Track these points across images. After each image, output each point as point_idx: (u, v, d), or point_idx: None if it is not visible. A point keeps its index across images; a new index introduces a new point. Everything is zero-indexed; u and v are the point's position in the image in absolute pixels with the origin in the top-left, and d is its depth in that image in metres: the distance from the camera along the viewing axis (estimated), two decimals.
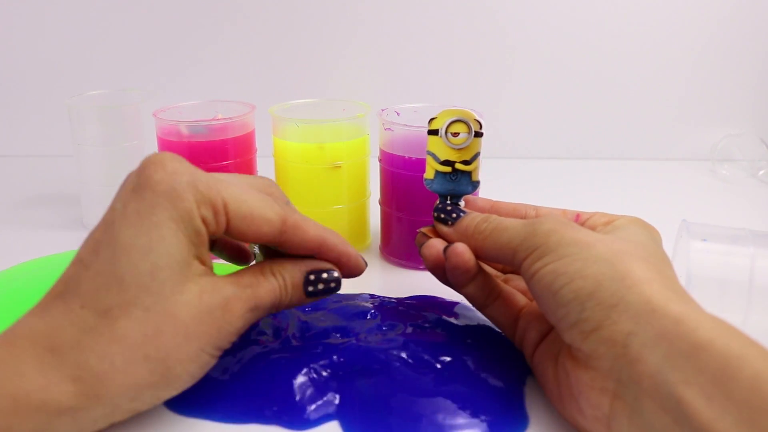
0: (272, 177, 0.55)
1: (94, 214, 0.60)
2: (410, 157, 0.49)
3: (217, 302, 0.30)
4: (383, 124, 0.50)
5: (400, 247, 0.52)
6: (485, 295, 0.37)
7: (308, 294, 0.34)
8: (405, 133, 0.49)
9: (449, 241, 0.37)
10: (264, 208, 0.32)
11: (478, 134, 0.39)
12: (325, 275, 0.34)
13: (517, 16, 0.76)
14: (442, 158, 0.39)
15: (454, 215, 0.38)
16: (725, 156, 0.78)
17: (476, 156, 0.39)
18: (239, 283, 0.31)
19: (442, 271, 0.37)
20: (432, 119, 0.40)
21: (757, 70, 0.77)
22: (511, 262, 0.34)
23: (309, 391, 0.33)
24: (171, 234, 0.29)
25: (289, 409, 0.32)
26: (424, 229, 0.39)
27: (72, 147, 0.59)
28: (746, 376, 0.24)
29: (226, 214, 0.31)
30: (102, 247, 0.29)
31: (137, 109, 0.58)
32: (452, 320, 0.41)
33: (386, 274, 0.51)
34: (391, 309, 0.42)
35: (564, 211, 0.38)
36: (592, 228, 0.35)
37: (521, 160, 0.79)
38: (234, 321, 0.30)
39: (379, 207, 0.54)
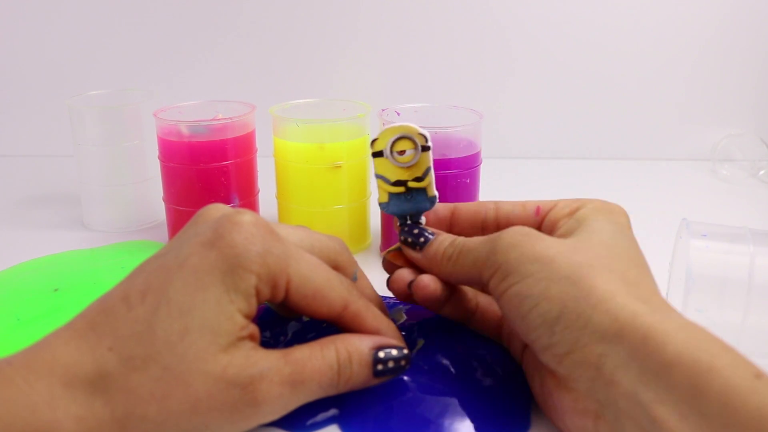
0: (272, 177, 0.55)
1: (94, 214, 0.60)
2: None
3: (241, 379, 0.28)
4: (383, 124, 0.50)
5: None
6: (462, 311, 0.37)
7: (377, 374, 0.31)
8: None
9: (418, 266, 0.37)
10: (327, 290, 0.31)
11: (425, 148, 0.37)
12: (395, 352, 0.32)
13: (518, 16, 0.76)
14: (393, 179, 0.37)
15: (422, 239, 0.36)
16: (725, 156, 0.78)
17: (428, 171, 0.37)
18: (286, 357, 0.29)
19: (413, 300, 0.37)
20: (374, 140, 0.37)
21: (757, 70, 0.77)
22: (479, 284, 0.33)
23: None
24: (215, 300, 0.28)
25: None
26: (389, 255, 0.38)
27: (72, 147, 0.59)
28: (715, 390, 0.24)
29: (287, 290, 0.30)
30: (150, 293, 0.28)
31: (137, 109, 0.58)
32: None
33: (386, 274, 0.51)
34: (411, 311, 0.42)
35: (524, 204, 0.37)
36: (555, 222, 0.34)
37: (521, 160, 0.79)
38: (259, 401, 0.28)
39: (379, 207, 0.54)
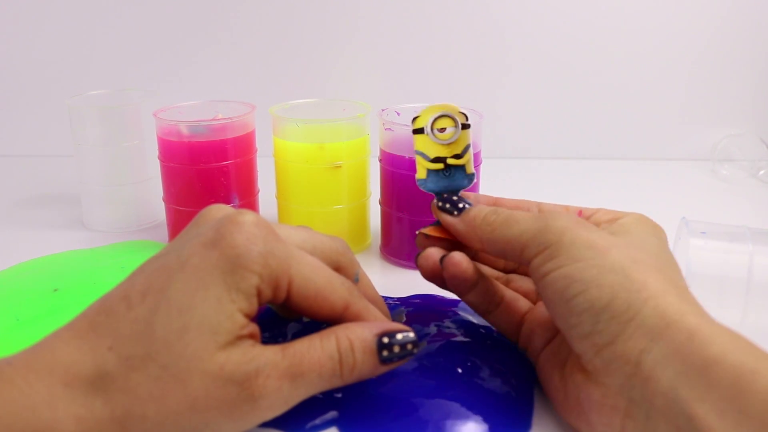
0: (272, 177, 0.55)
1: (94, 214, 0.60)
2: (411, 157, 0.49)
3: (238, 376, 0.27)
4: (383, 124, 0.50)
5: (400, 247, 0.52)
6: (487, 301, 0.37)
7: (383, 360, 0.30)
8: (405, 133, 0.49)
9: (453, 234, 0.36)
10: (329, 291, 0.31)
11: (465, 126, 0.38)
12: (400, 336, 0.31)
13: (518, 16, 0.76)
14: (432, 156, 0.38)
15: (461, 206, 0.36)
16: (725, 156, 0.78)
17: (467, 148, 0.38)
18: (284, 351, 0.29)
19: (441, 280, 0.37)
20: (415, 118, 0.38)
21: (757, 70, 0.77)
22: (519, 257, 0.33)
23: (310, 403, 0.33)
24: (215, 299, 0.28)
25: (287, 413, 0.32)
26: (425, 230, 0.38)
27: (72, 147, 0.59)
28: (760, 390, 0.24)
29: (288, 291, 0.30)
30: (151, 293, 0.28)
31: (137, 109, 0.58)
32: (471, 318, 0.40)
33: (386, 274, 0.51)
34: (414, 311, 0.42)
35: (567, 208, 0.37)
36: (596, 225, 0.35)
37: (521, 160, 0.79)
38: (257, 397, 0.28)
39: (379, 207, 0.54)
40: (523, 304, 0.37)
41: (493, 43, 0.77)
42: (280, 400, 0.29)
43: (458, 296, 0.37)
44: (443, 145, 0.38)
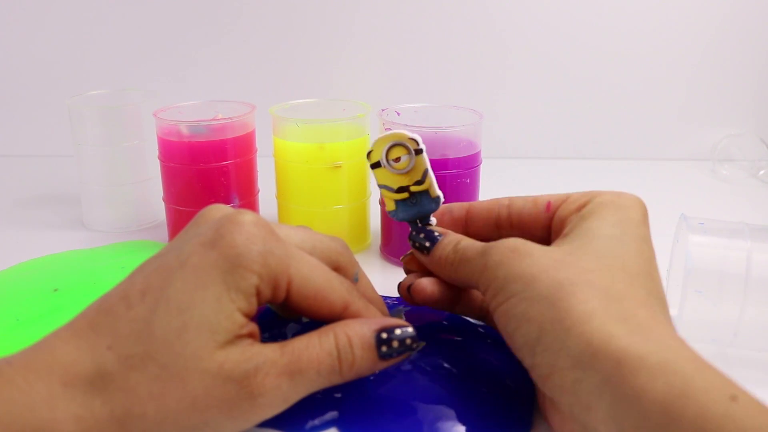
0: (272, 177, 0.55)
1: (94, 214, 0.60)
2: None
3: (237, 374, 0.27)
4: (383, 124, 0.50)
5: (400, 247, 0.52)
6: (477, 311, 0.37)
7: (382, 356, 0.30)
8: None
9: (429, 270, 0.37)
10: (328, 291, 0.31)
11: (419, 151, 0.37)
12: (399, 332, 0.31)
13: (518, 16, 0.76)
14: (396, 187, 0.38)
15: (428, 244, 0.36)
16: (725, 156, 0.78)
17: (426, 173, 0.37)
18: (283, 348, 0.29)
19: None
20: (369, 152, 0.38)
21: (757, 70, 0.77)
22: (480, 289, 0.33)
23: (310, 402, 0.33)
24: (214, 298, 0.28)
25: (287, 413, 0.32)
26: (405, 258, 0.39)
27: (72, 147, 0.59)
28: (689, 419, 0.23)
29: (288, 290, 0.30)
30: (150, 292, 0.28)
31: (137, 109, 0.58)
32: (469, 318, 0.40)
33: (386, 274, 0.51)
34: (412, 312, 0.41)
35: (535, 200, 0.36)
36: (563, 220, 0.34)
37: (521, 160, 0.79)
38: (256, 395, 0.28)
39: (379, 207, 0.54)
40: None
41: (492, 43, 0.77)
42: (280, 397, 0.29)
43: (449, 311, 0.38)
44: (403, 174, 0.38)
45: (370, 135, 0.53)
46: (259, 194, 0.57)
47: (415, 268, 0.38)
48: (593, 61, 0.77)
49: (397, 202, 0.38)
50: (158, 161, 0.54)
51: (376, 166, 0.38)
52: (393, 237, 0.52)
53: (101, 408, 0.27)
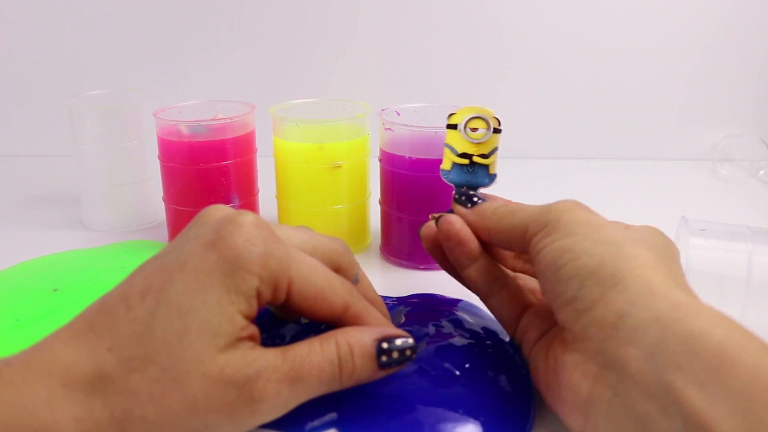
0: (272, 177, 0.55)
1: (94, 214, 0.60)
2: (411, 157, 0.49)
3: (238, 379, 0.27)
4: (383, 124, 0.50)
5: (400, 247, 0.52)
6: (489, 282, 0.37)
7: (382, 365, 0.30)
8: (405, 132, 0.49)
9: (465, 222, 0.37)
10: (328, 292, 0.31)
11: (497, 130, 0.40)
12: (399, 342, 0.31)
13: (518, 16, 0.76)
14: (460, 151, 0.40)
15: (476, 199, 0.37)
16: (725, 156, 0.78)
17: (494, 150, 0.40)
18: (285, 354, 0.29)
19: (441, 253, 0.37)
20: (451, 114, 0.40)
21: (757, 70, 0.77)
22: (522, 241, 0.33)
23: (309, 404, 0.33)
24: (215, 301, 0.28)
25: (287, 414, 0.31)
26: (435, 215, 0.39)
27: (72, 147, 0.59)
28: (745, 365, 0.23)
29: (288, 292, 0.30)
30: (151, 294, 0.28)
31: (137, 109, 0.58)
32: (470, 319, 0.40)
33: (386, 274, 0.51)
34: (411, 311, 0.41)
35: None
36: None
37: (521, 160, 0.79)
38: (257, 400, 0.28)
39: (379, 207, 0.54)
40: (528, 297, 0.37)
41: (493, 44, 0.77)
42: (280, 403, 0.29)
43: (459, 270, 0.37)
44: (473, 143, 0.40)
45: (370, 135, 0.53)
46: (259, 194, 0.57)
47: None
48: (593, 62, 0.77)
49: (454, 164, 0.40)
50: (158, 161, 0.54)
51: (452, 127, 0.40)
52: (393, 237, 0.52)
53: (101, 410, 0.27)
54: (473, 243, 0.36)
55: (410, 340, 0.31)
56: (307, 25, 0.77)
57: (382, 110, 0.52)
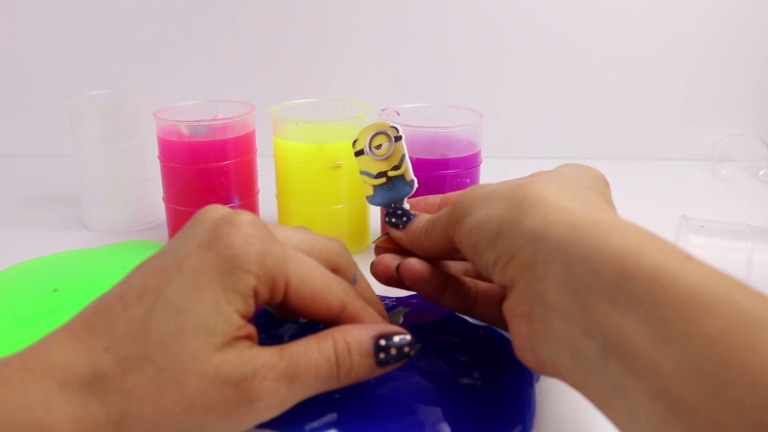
0: (272, 177, 0.55)
1: (94, 214, 0.60)
2: (411, 157, 0.49)
3: (234, 377, 0.27)
4: None
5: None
6: (464, 300, 0.37)
7: (380, 362, 0.30)
8: (405, 132, 0.49)
9: (402, 246, 0.38)
10: (325, 292, 0.31)
11: (397, 138, 0.40)
12: (397, 339, 0.31)
13: (518, 16, 0.76)
14: (375, 173, 0.40)
15: (404, 219, 0.38)
16: (726, 156, 0.78)
17: (403, 158, 0.40)
18: (281, 352, 0.29)
19: (398, 282, 0.37)
20: (354, 141, 0.41)
21: (757, 70, 0.77)
22: (452, 248, 0.34)
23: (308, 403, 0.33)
24: (212, 300, 0.28)
25: (286, 415, 0.31)
26: (378, 241, 0.40)
27: (72, 147, 0.59)
28: (644, 272, 0.23)
29: (285, 291, 0.30)
30: (148, 293, 0.28)
31: (137, 109, 0.58)
32: (468, 319, 0.40)
33: None
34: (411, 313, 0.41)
35: None
36: None
37: (521, 160, 0.79)
38: (253, 398, 0.28)
39: (379, 207, 0.54)
40: (500, 295, 0.37)
41: (493, 43, 0.77)
42: (277, 401, 0.28)
43: (435, 303, 0.37)
44: (382, 160, 0.40)
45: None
46: (259, 194, 0.57)
47: (389, 247, 0.39)
48: (593, 61, 0.77)
49: (375, 187, 0.40)
50: (158, 161, 0.54)
51: (359, 153, 0.41)
52: None
53: (98, 410, 0.27)
54: (437, 277, 0.36)
55: (408, 337, 0.31)
56: (307, 25, 0.77)
57: (382, 110, 0.52)
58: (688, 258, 0.24)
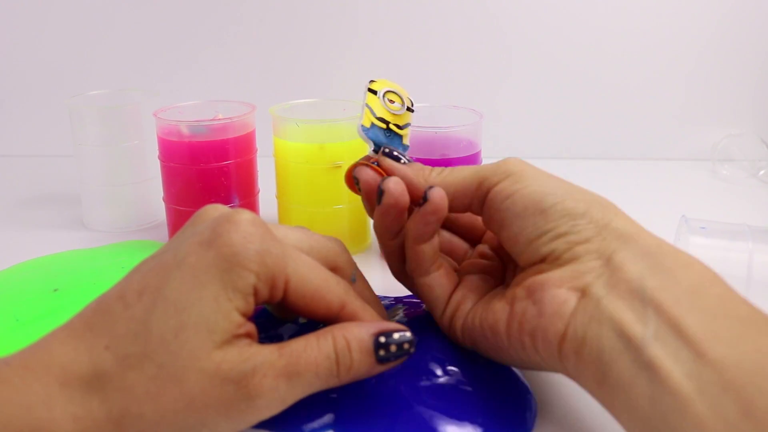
0: (272, 177, 0.55)
1: (94, 214, 0.60)
2: (410, 157, 0.49)
3: (234, 375, 0.27)
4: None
5: None
6: (433, 259, 0.36)
7: (380, 359, 0.30)
8: None
9: (390, 175, 0.36)
10: (325, 291, 0.31)
11: (410, 109, 0.41)
12: (397, 336, 0.31)
13: (518, 16, 0.76)
14: (378, 114, 0.40)
15: (403, 160, 0.37)
16: (726, 156, 0.78)
17: (407, 125, 0.41)
18: (281, 350, 0.29)
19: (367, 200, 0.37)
20: (372, 81, 0.41)
21: (757, 70, 0.77)
22: (473, 194, 0.34)
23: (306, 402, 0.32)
24: (212, 297, 0.28)
25: (284, 415, 0.31)
26: (361, 160, 0.38)
27: (72, 147, 0.59)
28: (716, 292, 0.27)
29: (285, 290, 0.30)
30: (148, 292, 0.28)
31: (137, 109, 0.58)
32: None
33: (386, 274, 0.51)
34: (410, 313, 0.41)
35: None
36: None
37: None
38: (253, 396, 0.28)
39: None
40: (454, 275, 0.37)
41: (493, 43, 0.77)
42: (277, 399, 0.28)
43: (413, 244, 0.35)
44: (389, 112, 0.41)
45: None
46: (259, 194, 0.57)
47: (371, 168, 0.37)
48: (593, 61, 0.77)
49: (373, 124, 0.40)
50: (158, 161, 0.54)
51: (372, 92, 0.41)
52: None
53: (98, 408, 0.27)
54: (406, 199, 0.35)
55: (408, 334, 0.31)
56: (307, 25, 0.77)
57: None
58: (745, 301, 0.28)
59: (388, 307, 0.42)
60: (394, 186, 0.35)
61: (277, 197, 0.55)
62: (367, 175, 0.37)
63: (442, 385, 0.34)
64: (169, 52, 0.78)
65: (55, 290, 0.46)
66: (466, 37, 0.77)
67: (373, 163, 0.37)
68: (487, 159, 0.55)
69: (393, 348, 0.30)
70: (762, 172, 0.74)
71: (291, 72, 0.78)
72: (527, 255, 0.32)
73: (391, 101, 0.41)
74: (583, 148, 0.80)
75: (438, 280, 0.36)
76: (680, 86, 0.78)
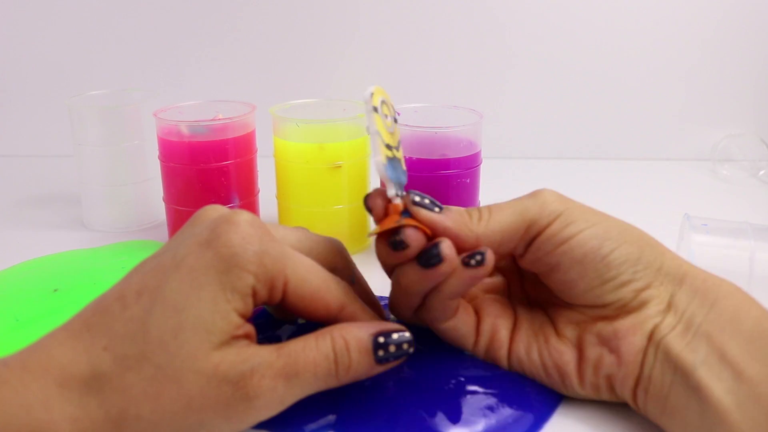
0: (272, 177, 0.55)
1: (94, 214, 0.60)
2: (410, 157, 0.49)
3: (232, 376, 0.27)
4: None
5: None
6: (457, 306, 0.34)
7: (379, 360, 0.30)
8: (405, 132, 0.49)
9: (436, 233, 0.32)
10: (324, 292, 0.31)
11: (395, 119, 0.35)
12: (396, 336, 0.30)
13: (518, 15, 0.76)
14: (386, 141, 0.33)
15: (436, 209, 0.33)
16: (726, 156, 0.78)
17: (400, 142, 0.35)
18: (279, 350, 0.29)
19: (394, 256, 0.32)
20: (371, 94, 0.33)
21: (757, 70, 0.77)
22: (520, 238, 0.33)
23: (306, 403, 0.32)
24: (210, 298, 0.28)
25: (284, 416, 0.31)
26: (378, 230, 0.32)
27: (72, 147, 0.59)
28: (752, 317, 0.30)
29: (284, 291, 0.30)
30: (146, 292, 0.28)
31: (138, 109, 0.58)
32: None
33: (386, 275, 0.51)
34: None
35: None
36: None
37: (521, 160, 0.79)
38: (251, 396, 0.28)
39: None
40: (469, 306, 0.36)
41: (493, 44, 0.77)
42: (276, 400, 0.28)
43: (441, 315, 0.34)
44: (388, 132, 0.33)
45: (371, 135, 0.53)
46: (259, 194, 0.57)
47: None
48: (593, 61, 0.77)
49: (387, 157, 0.32)
50: (158, 161, 0.54)
51: (376, 110, 0.33)
52: None
53: (97, 409, 0.27)
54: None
55: (407, 334, 0.31)
56: (307, 25, 0.77)
57: None
58: None
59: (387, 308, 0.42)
60: (450, 252, 0.31)
61: (277, 197, 0.55)
62: (417, 239, 0.32)
63: (442, 388, 0.34)
64: (169, 52, 0.78)
65: (55, 290, 0.45)
66: (466, 37, 0.77)
67: (403, 213, 0.32)
68: (487, 159, 0.55)
69: (392, 348, 0.30)
70: (762, 172, 0.74)
71: (291, 72, 0.78)
72: (587, 299, 0.33)
73: (386, 115, 0.33)
74: (583, 148, 0.80)
75: (462, 319, 0.35)
76: (680, 86, 0.78)
